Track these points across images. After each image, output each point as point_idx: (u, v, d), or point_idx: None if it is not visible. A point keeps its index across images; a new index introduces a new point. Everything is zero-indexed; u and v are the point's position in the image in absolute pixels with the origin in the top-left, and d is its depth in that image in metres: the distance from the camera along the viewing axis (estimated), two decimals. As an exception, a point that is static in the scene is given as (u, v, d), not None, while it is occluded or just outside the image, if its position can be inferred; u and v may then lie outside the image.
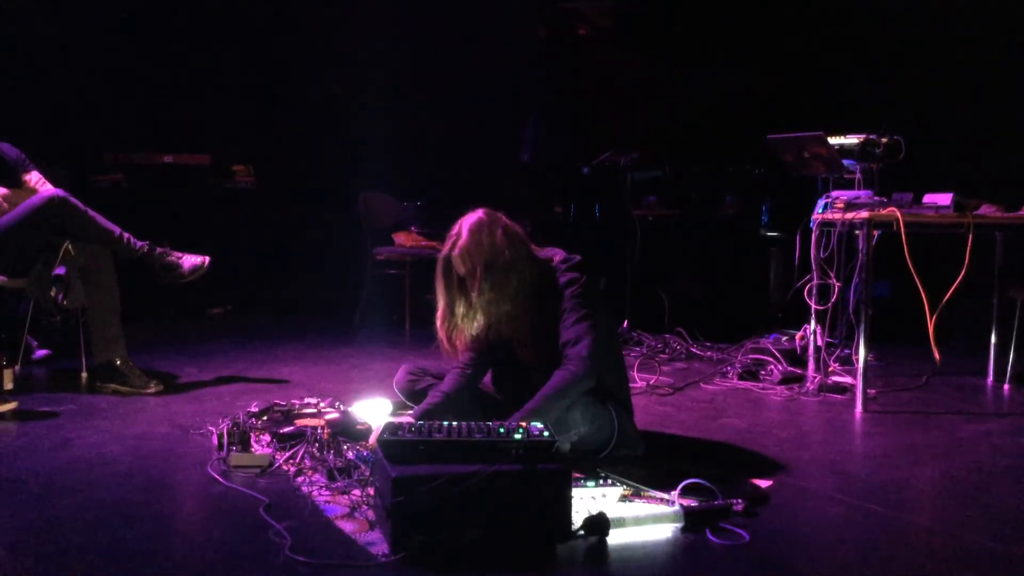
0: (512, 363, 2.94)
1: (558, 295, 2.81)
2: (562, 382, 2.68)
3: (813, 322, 4.17)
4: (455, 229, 2.81)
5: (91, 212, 3.86)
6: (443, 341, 2.90)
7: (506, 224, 2.84)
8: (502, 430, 2.25)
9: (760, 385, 4.19)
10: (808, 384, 4.08)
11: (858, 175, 4.32)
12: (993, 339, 4.31)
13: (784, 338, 4.63)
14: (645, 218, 5.90)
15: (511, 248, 2.79)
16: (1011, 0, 5.64)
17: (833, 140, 4.35)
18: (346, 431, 2.94)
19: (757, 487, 2.56)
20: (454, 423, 2.32)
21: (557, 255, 2.91)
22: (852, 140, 4.35)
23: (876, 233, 3.78)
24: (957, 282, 3.59)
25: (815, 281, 4.07)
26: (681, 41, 6.78)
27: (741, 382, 4.25)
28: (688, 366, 4.74)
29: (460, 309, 2.83)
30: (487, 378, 3.09)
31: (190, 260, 3.97)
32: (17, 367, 4.09)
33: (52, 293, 3.70)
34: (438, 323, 2.89)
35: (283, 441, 2.90)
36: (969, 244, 3.64)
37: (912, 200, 3.85)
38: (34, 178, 4.12)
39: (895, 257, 3.61)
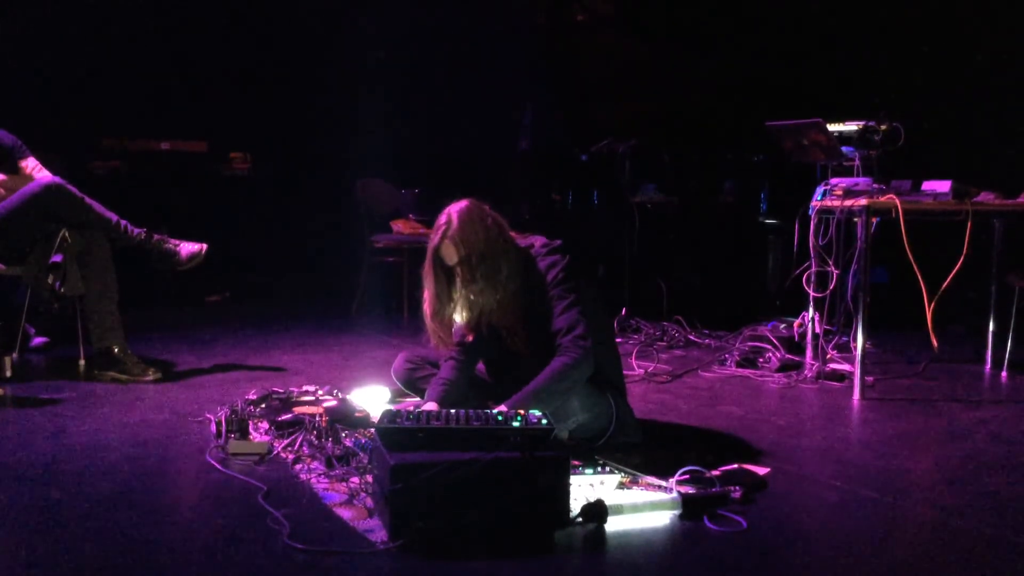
0: (504, 352, 2.93)
1: (541, 281, 2.80)
2: (561, 366, 2.67)
3: (811, 309, 4.16)
4: (443, 218, 2.79)
5: (88, 199, 3.85)
6: (433, 332, 2.89)
7: (492, 213, 2.83)
8: (500, 417, 2.25)
9: (758, 372, 4.19)
10: (806, 371, 4.08)
11: (857, 162, 4.31)
12: (991, 326, 4.31)
13: (782, 325, 4.63)
14: (643, 205, 5.89)
15: (499, 236, 2.79)
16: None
17: (832, 127, 4.33)
18: (344, 419, 2.94)
19: (755, 474, 2.56)
20: (452, 410, 2.32)
21: (538, 241, 2.90)
22: (851, 127, 4.33)
23: (875, 220, 3.77)
24: (955, 269, 3.59)
25: (813, 268, 4.07)
26: (680, 28, 6.77)
27: (739, 369, 4.25)
28: (686, 354, 4.74)
29: (448, 299, 2.82)
30: (480, 366, 3.08)
31: (187, 247, 3.97)
32: (15, 355, 4.10)
33: (49, 280, 3.70)
34: (427, 314, 2.88)
35: (281, 429, 2.90)
36: (968, 231, 3.63)
37: (911, 187, 3.85)
38: (31, 165, 4.11)
39: (893, 244, 3.61)
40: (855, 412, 3.55)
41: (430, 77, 7.17)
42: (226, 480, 2.52)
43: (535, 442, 2.16)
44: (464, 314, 2.82)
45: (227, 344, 4.76)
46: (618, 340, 4.31)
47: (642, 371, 4.16)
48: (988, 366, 4.33)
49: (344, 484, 2.44)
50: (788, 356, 4.26)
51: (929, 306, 3.54)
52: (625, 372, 3.16)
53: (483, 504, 2.10)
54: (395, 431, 2.19)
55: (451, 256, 2.78)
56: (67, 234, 3.75)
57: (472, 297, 2.77)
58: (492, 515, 2.10)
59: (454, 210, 2.80)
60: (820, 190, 3.96)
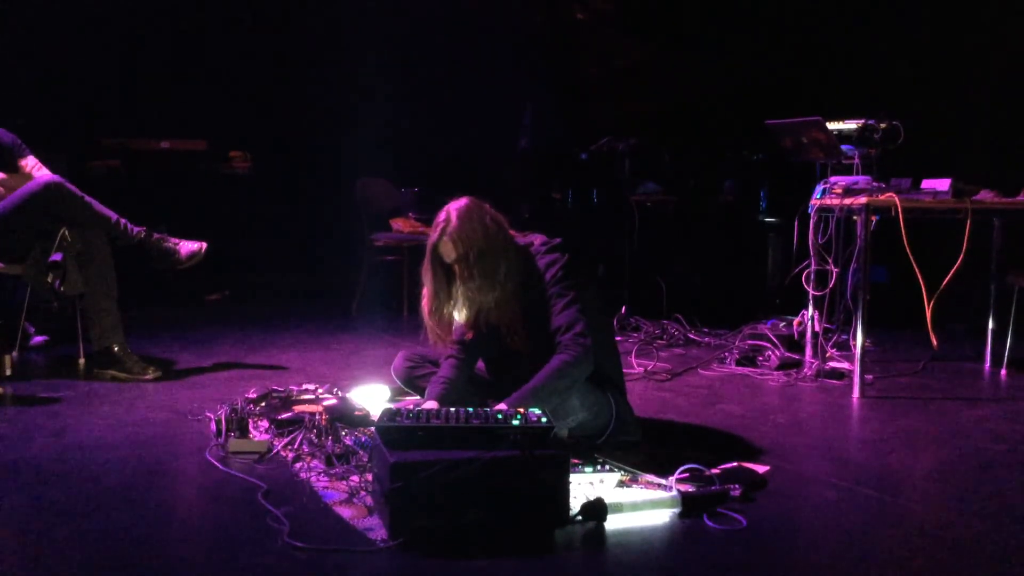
0: (504, 351, 2.93)
1: (541, 279, 2.80)
2: (561, 364, 2.67)
3: (811, 308, 4.17)
4: (442, 216, 2.80)
5: (88, 198, 3.85)
6: (431, 329, 2.89)
7: (491, 211, 2.84)
8: (500, 416, 2.25)
9: (758, 371, 4.19)
10: (806, 370, 4.09)
11: (856, 160, 4.31)
12: (990, 324, 4.31)
13: (782, 324, 4.63)
14: (643, 204, 5.89)
15: (499, 233, 2.79)
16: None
17: (832, 125, 4.34)
18: (344, 417, 2.94)
19: (754, 472, 2.56)
20: (452, 409, 2.32)
21: (537, 239, 2.90)
22: (851, 125, 4.33)
23: (874, 219, 3.77)
24: (955, 268, 3.59)
25: (813, 267, 4.07)
26: (680, 26, 6.76)
27: (739, 368, 4.25)
28: (686, 352, 4.74)
29: (447, 296, 2.83)
30: (480, 364, 3.09)
31: (187, 246, 3.97)
32: (15, 353, 4.10)
33: (49, 279, 3.70)
34: (425, 312, 2.89)
35: (281, 427, 2.90)
36: (967, 229, 3.63)
37: (910, 185, 3.85)
38: (30, 163, 4.11)
39: (893, 243, 3.61)
40: (854, 410, 3.56)
41: (430, 75, 7.16)
42: (226, 478, 2.52)
43: (535, 440, 2.16)
44: (463, 312, 2.83)
45: (227, 343, 4.76)
46: (618, 338, 4.31)
47: (642, 369, 4.16)
48: (988, 364, 4.33)
49: (344, 482, 2.44)
50: (788, 354, 4.26)
51: (929, 304, 3.54)
52: (625, 370, 3.16)
53: (483, 502, 2.10)
54: (395, 429, 2.19)
55: (449, 254, 2.78)
56: (67, 233, 3.75)
57: (471, 295, 2.78)
58: (492, 513, 2.10)
59: (453, 208, 2.80)
60: (819, 188, 3.96)
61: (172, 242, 3.96)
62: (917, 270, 3.55)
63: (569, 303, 2.75)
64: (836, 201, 3.81)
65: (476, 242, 2.74)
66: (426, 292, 2.87)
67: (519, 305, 2.81)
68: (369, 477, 2.41)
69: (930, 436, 3.17)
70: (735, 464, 2.61)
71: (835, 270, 3.98)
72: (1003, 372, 4.23)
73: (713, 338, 4.99)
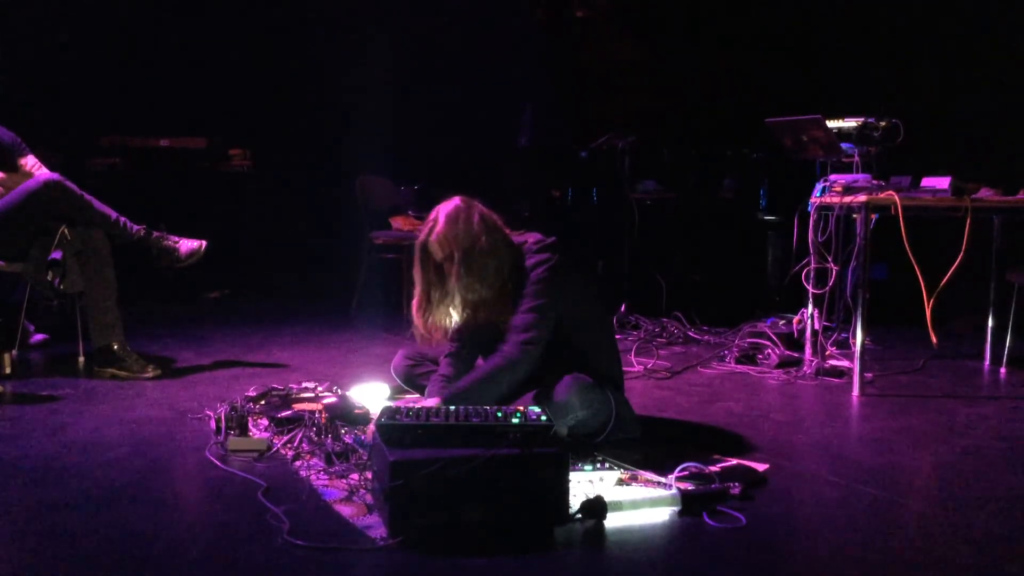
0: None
1: (527, 277, 2.82)
2: (493, 368, 2.71)
3: (810, 306, 4.17)
4: (432, 216, 2.82)
5: (87, 196, 3.85)
6: (419, 328, 2.91)
7: (482, 210, 2.85)
8: (500, 414, 2.26)
9: (757, 369, 4.19)
10: (805, 368, 4.09)
11: (856, 159, 4.31)
12: (990, 323, 4.31)
13: (781, 322, 4.63)
14: (643, 201, 5.89)
15: (488, 233, 2.80)
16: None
17: (831, 123, 4.34)
18: (344, 415, 2.95)
19: (754, 471, 2.56)
20: (451, 407, 2.32)
21: (532, 237, 2.91)
22: (850, 123, 4.33)
23: (874, 217, 3.77)
24: (955, 266, 3.59)
25: (813, 265, 4.07)
26: (680, 23, 6.76)
27: (738, 366, 4.26)
28: (686, 350, 4.74)
29: (436, 295, 2.84)
30: (480, 362, 3.09)
31: (187, 244, 3.97)
32: (15, 351, 4.10)
33: (48, 277, 3.70)
34: (414, 310, 2.90)
35: (281, 425, 2.90)
36: (967, 228, 3.63)
37: (910, 184, 3.85)
38: (30, 162, 4.11)
39: (893, 241, 3.61)
40: (854, 408, 3.56)
41: (429, 73, 7.16)
42: (226, 477, 2.52)
43: (534, 439, 2.16)
44: (457, 310, 2.84)
45: (226, 341, 4.76)
46: (617, 336, 4.31)
47: (641, 367, 4.16)
48: (987, 362, 4.34)
49: (344, 480, 2.44)
50: (787, 352, 4.26)
51: (928, 302, 3.54)
52: (624, 368, 3.17)
53: (482, 501, 2.10)
54: (395, 427, 2.19)
55: (436, 254, 2.80)
56: (66, 231, 3.75)
57: (462, 294, 2.79)
58: (491, 512, 2.11)
59: (442, 209, 2.83)
60: (819, 186, 3.96)
61: (172, 240, 3.97)
62: (917, 268, 3.55)
63: (534, 308, 2.76)
64: (836, 199, 3.81)
65: (461, 243, 2.76)
66: (416, 292, 2.88)
67: (512, 303, 2.81)
68: (369, 475, 2.41)
69: (929, 434, 3.17)
70: (735, 462, 2.61)
71: (835, 268, 3.98)
72: (1002, 370, 4.23)
73: (713, 336, 4.99)
